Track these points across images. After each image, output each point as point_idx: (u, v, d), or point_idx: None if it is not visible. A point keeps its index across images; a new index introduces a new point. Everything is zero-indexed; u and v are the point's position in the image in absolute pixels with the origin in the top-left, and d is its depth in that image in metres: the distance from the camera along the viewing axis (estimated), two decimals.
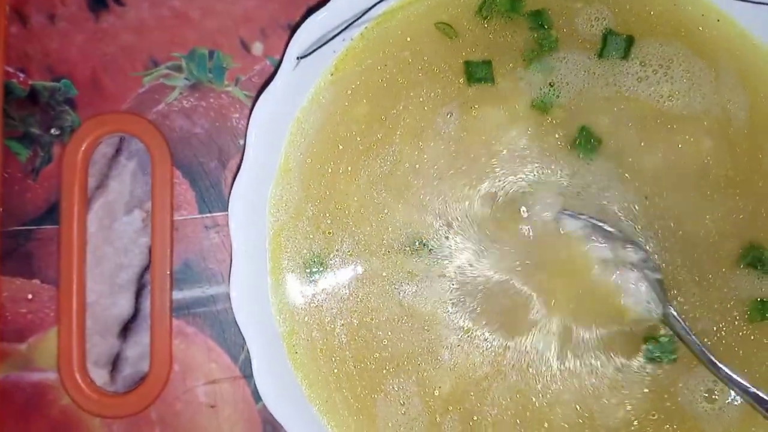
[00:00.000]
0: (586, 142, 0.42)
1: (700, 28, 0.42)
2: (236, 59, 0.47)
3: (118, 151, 0.47)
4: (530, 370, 0.42)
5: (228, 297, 0.46)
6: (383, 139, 0.42)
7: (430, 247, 0.42)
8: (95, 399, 0.46)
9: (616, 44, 0.42)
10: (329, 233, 0.42)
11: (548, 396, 0.42)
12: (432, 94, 0.42)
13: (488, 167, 0.42)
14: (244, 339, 0.45)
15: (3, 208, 0.46)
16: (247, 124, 0.39)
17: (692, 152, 0.42)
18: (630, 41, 0.42)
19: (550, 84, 0.42)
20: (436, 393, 0.41)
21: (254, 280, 0.40)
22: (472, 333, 0.42)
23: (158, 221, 0.46)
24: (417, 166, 0.42)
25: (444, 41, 0.42)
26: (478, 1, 0.42)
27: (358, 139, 0.42)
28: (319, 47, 0.38)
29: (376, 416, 0.42)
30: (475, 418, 0.41)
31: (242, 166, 0.39)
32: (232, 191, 0.39)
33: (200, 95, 0.47)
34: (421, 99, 0.42)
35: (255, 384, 0.44)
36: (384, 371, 0.42)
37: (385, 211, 0.42)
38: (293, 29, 0.46)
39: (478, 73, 0.42)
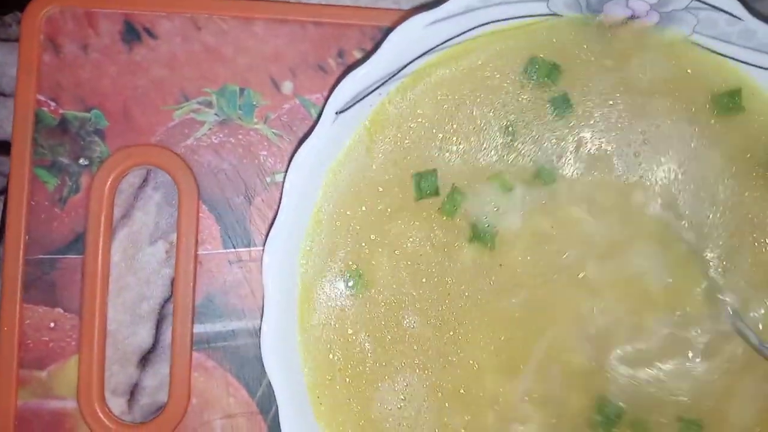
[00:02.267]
0: None
1: None
2: (266, 97, 0.48)
3: (144, 181, 0.48)
4: None
5: (249, 333, 0.47)
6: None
7: None
8: (112, 429, 0.46)
9: None
10: (354, 290, 0.43)
11: None
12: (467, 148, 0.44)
13: None
14: (263, 375, 0.46)
15: (29, 236, 0.47)
16: (284, 176, 0.40)
17: None
18: None
19: None
20: None
21: (284, 331, 0.41)
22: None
23: (182, 254, 0.47)
24: None
25: (480, 100, 0.43)
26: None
27: (382, 200, 0.43)
28: (357, 102, 0.39)
29: None
30: None
31: (278, 219, 0.39)
32: (267, 243, 0.40)
33: (229, 131, 0.48)
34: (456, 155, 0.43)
35: (271, 420, 0.46)
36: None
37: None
38: (323, 70, 0.47)
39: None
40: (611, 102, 0.44)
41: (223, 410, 0.47)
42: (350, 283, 0.43)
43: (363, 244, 0.43)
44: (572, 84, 0.44)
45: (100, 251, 0.47)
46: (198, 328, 0.47)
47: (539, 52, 0.43)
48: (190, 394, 0.46)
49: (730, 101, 0.43)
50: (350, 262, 0.43)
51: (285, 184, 0.39)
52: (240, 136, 0.48)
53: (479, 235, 0.43)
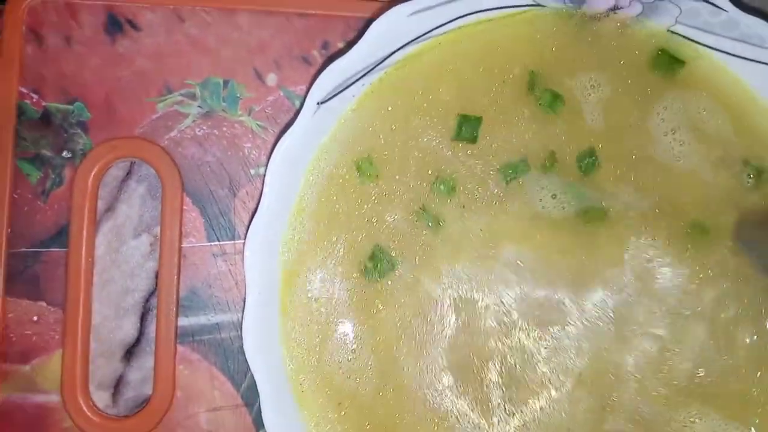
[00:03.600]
0: None
1: None
2: (250, 89, 0.48)
3: (128, 174, 0.48)
4: None
5: (233, 326, 0.47)
6: (391, 186, 0.43)
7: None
8: (97, 423, 0.46)
9: None
10: (339, 274, 0.43)
11: None
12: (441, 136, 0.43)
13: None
14: (247, 368, 0.46)
15: (11, 229, 0.46)
16: (266, 167, 0.40)
17: None
18: None
19: None
20: None
21: (266, 320, 0.40)
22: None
23: (166, 247, 0.47)
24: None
25: (458, 88, 0.43)
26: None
27: (369, 184, 0.43)
28: (340, 92, 0.39)
29: None
30: None
31: (259, 207, 0.39)
32: (249, 232, 0.40)
33: (213, 123, 0.47)
34: (433, 144, 0.43)
35: (256, 413, 0.45)
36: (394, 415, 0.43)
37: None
38: (307, 62, 0.47)
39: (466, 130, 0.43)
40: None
41: (207, 403, 0.47)
42: (333, 271, 0.43)
43: (346, 232, 0.43)
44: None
45: (84, 244, 0.46)
46: (182, 321, 0.47)
47: (521, 45, 0.43)
48: (174, 387, 0.46)
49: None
50: (333, 250, 0.43)
51: (267, 174, 0.39)
52: (224, 129, 0.48)
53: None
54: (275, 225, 0.40)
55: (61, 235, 0.47)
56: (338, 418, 0.42)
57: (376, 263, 0.43)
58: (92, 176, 0.47)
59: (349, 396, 0.43)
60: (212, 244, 0.47)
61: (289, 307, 0.42)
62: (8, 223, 0.46)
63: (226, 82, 0.47)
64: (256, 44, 0.48)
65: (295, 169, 0.41)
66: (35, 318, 0.46)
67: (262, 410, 0.40)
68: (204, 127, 0.47)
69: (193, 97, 0.47)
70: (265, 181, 0.39)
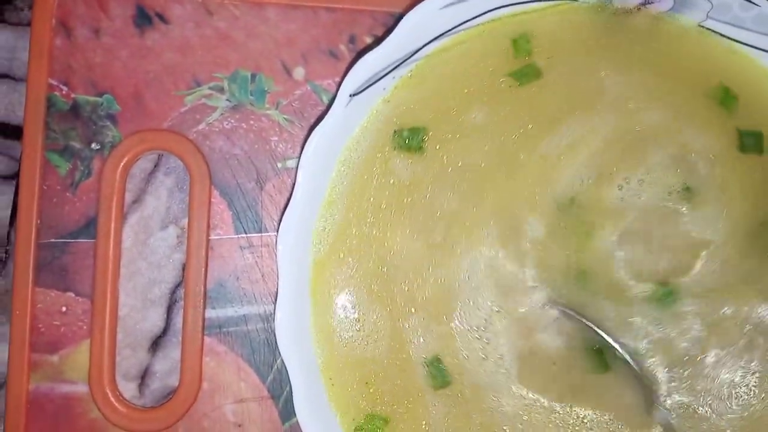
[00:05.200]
0: None
1: None
2: (277, 83, 0.48)
3: (156, 166, 0.48)
4: None
5: (260, 318, 0.47)
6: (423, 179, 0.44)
7: None
8: (124, 413, 0.46)
9: None
10: (369, 268, 0.43)
11: None
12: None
13: None
14: (273, 360, 0.46)
15: (40, 221, 0.47)
16: (298, 158, 0.40)
17: None
18: None
19: None
20: None
21: (297, 311, 0.41)
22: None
23: (194, 239, 0.47)
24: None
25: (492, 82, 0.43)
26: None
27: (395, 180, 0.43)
28: (371, 85, 0.39)
29: None
30: None
31: (292, 199, 0.40)
32: (282, 224, 0.40)
33: (241, 117, 0.48)
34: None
35: (282, 404, 0.46)
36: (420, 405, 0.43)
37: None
38: (334, 56, 0.47)
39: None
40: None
41: (233, 395, 0.47)
42: (364, 262, 0.43)
43: (377, 221, 0.43)
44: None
45: (112, 236, 0.47)
46: (209, 313, 0.47)
47: (552, 37, 0.43)
48: (201, 378, 0.47)
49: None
50: (364, 242, 0.43)
51: (299, 166, 0.39)
52: (251, 122, 0.48)
53: None
54: (307, 217, 0.41)
55: (89, 227, 0.47)
56: (367, 406, 0.42)
57: None
58: (120, 168, 0.47)
59: (377, 382, 0.43)
60: (239, 236, 0.47)
61: (320, 299, 0.43)
62: (38, 214, 0.47)
63: (253, 76, 0.48)
64: (284, 38, 0.48)
65: (327, 161, 0.41)
66: (63, 309, 0.47)
67: (294, 401, 0.40)
68: (232, 121, 0.48)
69: (221, 90, 0.48)
70: (298, 172, 0.40)
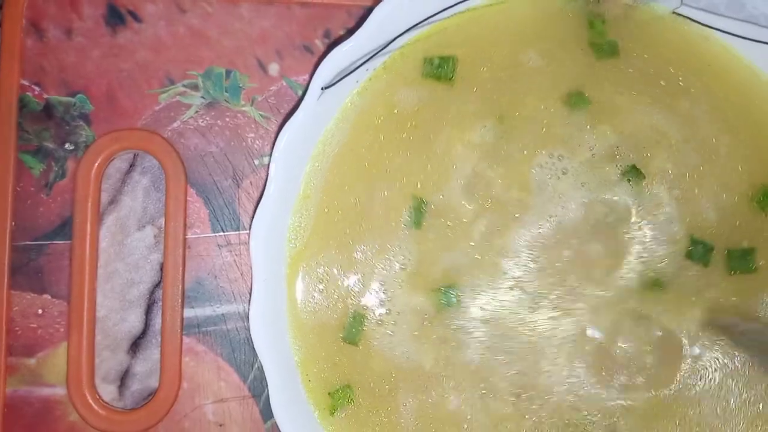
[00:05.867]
0: None
1: None
2: (252, 79, 0.47)
3: (131, 166, 0.47)
4: None
5: (239, 316, 0.46)
6: (398, 167, 0.43)
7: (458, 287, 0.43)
8: (103, 415, 0.46)
9: None
10: (345, 260, 0.43)
11: None
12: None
13: None
14: (254, 359, 0.46)
15: (15, 222, 0.46)
16: (271, 153, 0.40)
17: None
18: None
19: None
20: None
21: (273, 308, 0.40)
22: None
23: (171, 238, 0.46)
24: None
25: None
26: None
27: (374, 167, 0.43)
28: (343, 78, 0.39)
29: None
30: None
31: (264, 195, 0.39)
32: (254, 221, 0.39)
33: (216, 114, 0.47)
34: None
35: (263, 404, 0.45)
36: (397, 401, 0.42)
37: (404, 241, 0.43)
38: (309, 51, 0.47)
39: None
40: None
41: (214, 394, 0.46)
42: (342, 257, 0.42)
43: (352, 217, 0.43)
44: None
45: (88, 237, 0.46)
46: (188, 313, 0.46)
47: (525, 27, 0.42)
48: (181, 378, 0.46)
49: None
50: (339, 237, 0.43)
51: (271, 161, 0.39)
52: (227, 119, 0.47)
53: None
54: (280, 212, 0.40)
55: (64, 228, 0.46)
56: (346, 405, 0.42)
57: None
58: (95, 168, 0.46)
59: (357, 382, 0.42)
60: (217, 234, 0.47)
61: (296, 295, 0.42)
62: (12, 216, 0.46)
63: (228, 73, 0.47)
64: (258, 34, 0.48)
65: (300, 156, 0.41)
66: (40, 311, 0.46)
67: (271, 400, 0.40)
68: (207, 118, 0.47)
69: (195, 87, 0.47)
70: (270, 167, 0.39)
